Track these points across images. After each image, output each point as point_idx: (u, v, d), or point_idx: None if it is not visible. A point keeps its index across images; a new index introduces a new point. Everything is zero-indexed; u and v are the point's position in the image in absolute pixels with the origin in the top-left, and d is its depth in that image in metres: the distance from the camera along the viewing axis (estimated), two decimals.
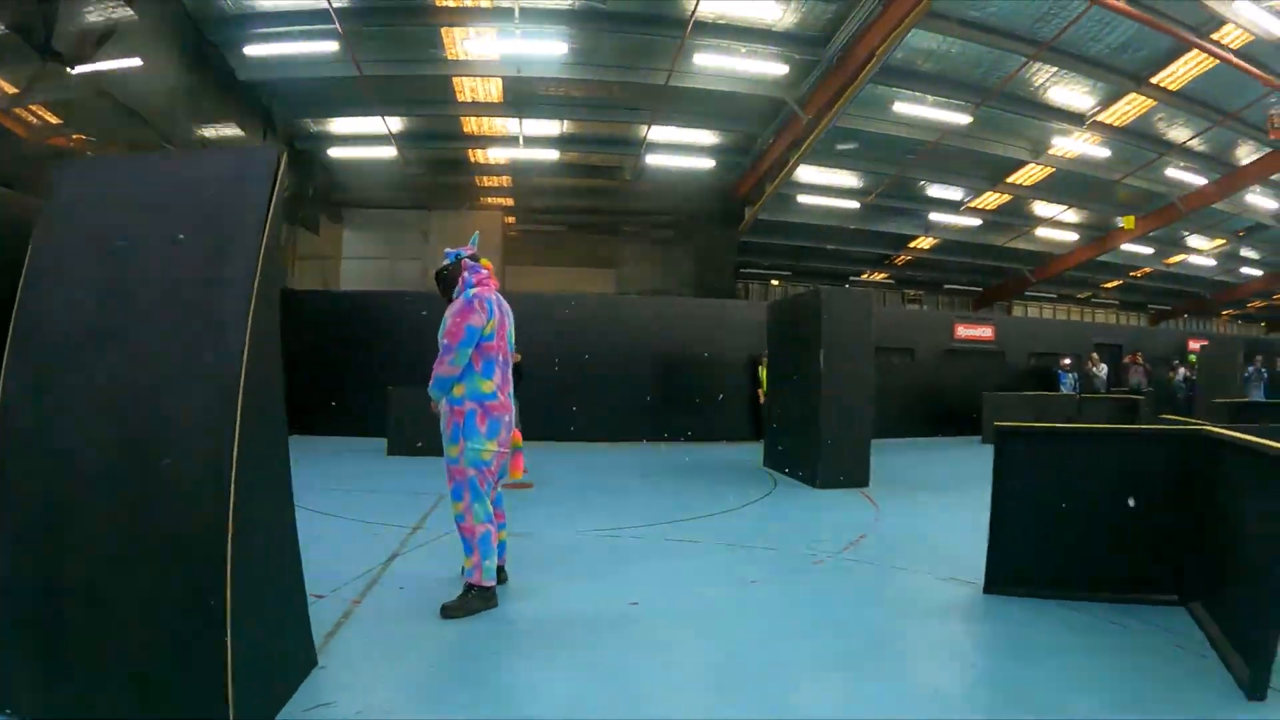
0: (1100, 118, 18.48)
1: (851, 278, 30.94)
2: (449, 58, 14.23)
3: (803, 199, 21.90)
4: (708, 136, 18.70)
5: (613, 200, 22.49)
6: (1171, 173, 21.58)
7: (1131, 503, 5.16)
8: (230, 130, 16.04)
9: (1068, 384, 20.06)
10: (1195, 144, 20.61)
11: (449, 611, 4.60)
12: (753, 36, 13.58)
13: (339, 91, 15.82)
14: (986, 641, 4.74)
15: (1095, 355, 21.33)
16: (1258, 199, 24.24)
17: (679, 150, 19.14)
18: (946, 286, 32.62)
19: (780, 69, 14.07)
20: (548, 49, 13.50)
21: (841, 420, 10.34)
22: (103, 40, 11.89)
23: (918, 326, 20.19)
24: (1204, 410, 18.02)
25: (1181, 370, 21.34)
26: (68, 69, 11.82)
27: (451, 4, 12.96)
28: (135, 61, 12.60)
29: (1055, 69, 16.24)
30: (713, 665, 4.10)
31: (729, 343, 16.01)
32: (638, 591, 5.22)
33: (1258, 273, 34.60)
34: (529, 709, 3.42)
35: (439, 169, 21.10)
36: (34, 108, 12.76)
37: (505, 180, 21.84)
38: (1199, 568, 5.12)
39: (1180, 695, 3.94)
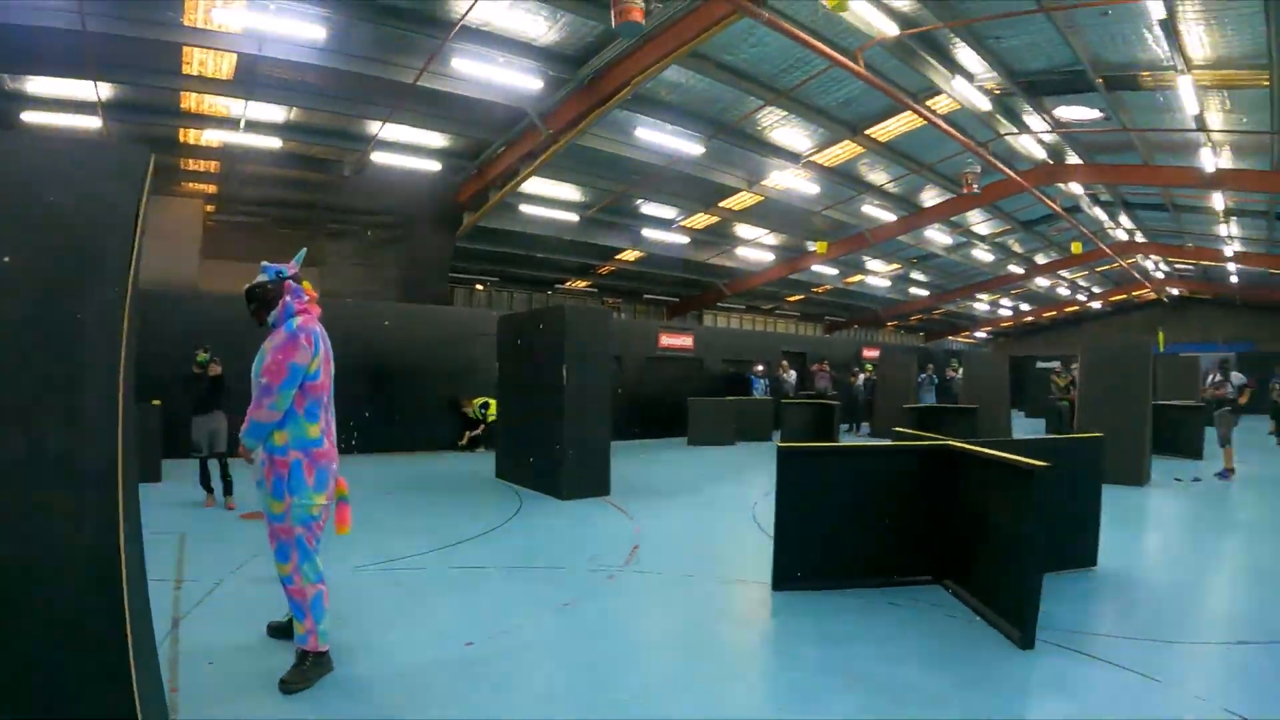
0: (814, 158, 20.44)
1: (555, 285, 31.84)
2: (186, 23, 12.90)
3: (525, 209, 22.35)
4: (438, 139, 18.50)
5: (327, 195, 21.48)
6: (866, 209, 24.68)
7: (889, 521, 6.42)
8: None
9: (759, 388, 22.05)
10: (890, 186, 23.56)
11: (289, 686, 4.25)
12: (514, 48, 13.71)
13: (51, 44, 13.66)
14: (802, 630, 5.42)
15: (785, 362, 23.59)
16: (934, 234, 28.26)
17: (407, 150, 18.70)
18: (646, 296, 34.52)
19: (535, 83, 14.27)
20: (302, 30, 12.61)
21: (584, 432, 10.90)
22: None
23: (625, 335, 20.98)
24: (883, 412, 21.17)
25: (862, 376, 23.70)
26: None
27: None
28: None
29: (785, 113, 17.63)
30: (598, 695, 4.33)
31: (440, 352, 16.88)
32: (463, 630, 5.22)
33: (924, 293, 41.32)
34: None
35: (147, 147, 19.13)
36: None
37: (214, 165, 20.13)
38: (949, 552, 6.35)
39: (969, 652, 5.00)
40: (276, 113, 17.00)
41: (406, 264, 23.82)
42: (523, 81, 14.22)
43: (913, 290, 41.24)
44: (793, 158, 20.06)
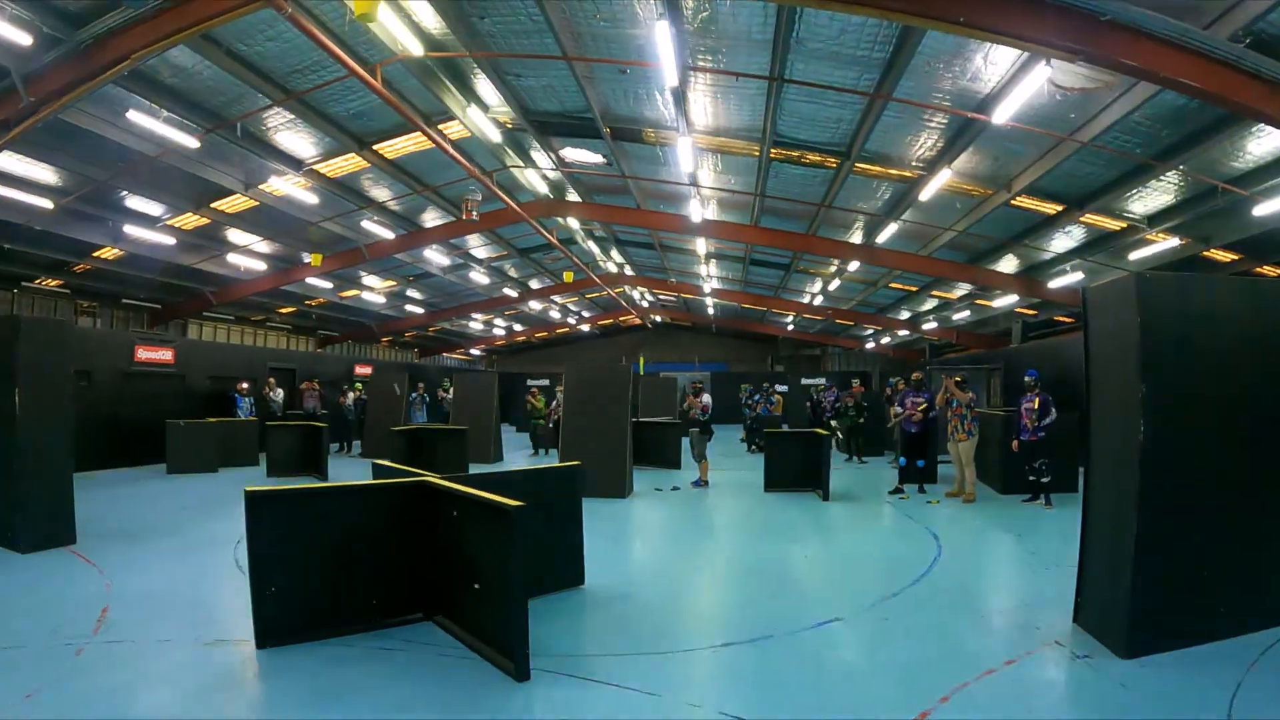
0: (317, 167, 20.74)
1: (24, 282, 28.57)
2: None
3: None
4: None
5: None
6: (366, 224, 25.30)
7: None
8: None
9: (244, 408, 21.70)
10: (393, 204, 24.81)
11: None
12: None
13: None
14: (294, 691, 5.34)
15: (271, 379, 24.15)
16: (433, 254, 30.18)
17: None
18: (124, 300, 32.30)
19: (25, 38, 12.47)
20: None
21: (40, 470, 9.64)
22: None
23: (96, 347, 20.14)
24: (374, 432, 21.79)
25: (351, 395, 24.44)
26: None
27: None
28: None
29: (293, 116, 17.74)
30: None
31: None
32: None
33: (420, 310, 43.29)
34: None
35: None
36: None
37: None
38: (438, 588, 6.64)
39: (467, 691, 5.28)
40: None
41: None
42: (12, 35, 12.32)
43: (409, 308, 42.95)
44: (295, 164, 20.10)
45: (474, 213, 22.20)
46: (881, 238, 23.91)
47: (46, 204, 20.03)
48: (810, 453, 15.16)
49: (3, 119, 14.98)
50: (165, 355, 22.10)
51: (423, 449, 16.70)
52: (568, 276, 35.05)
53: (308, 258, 28.23)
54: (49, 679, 5.39)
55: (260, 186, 21.03)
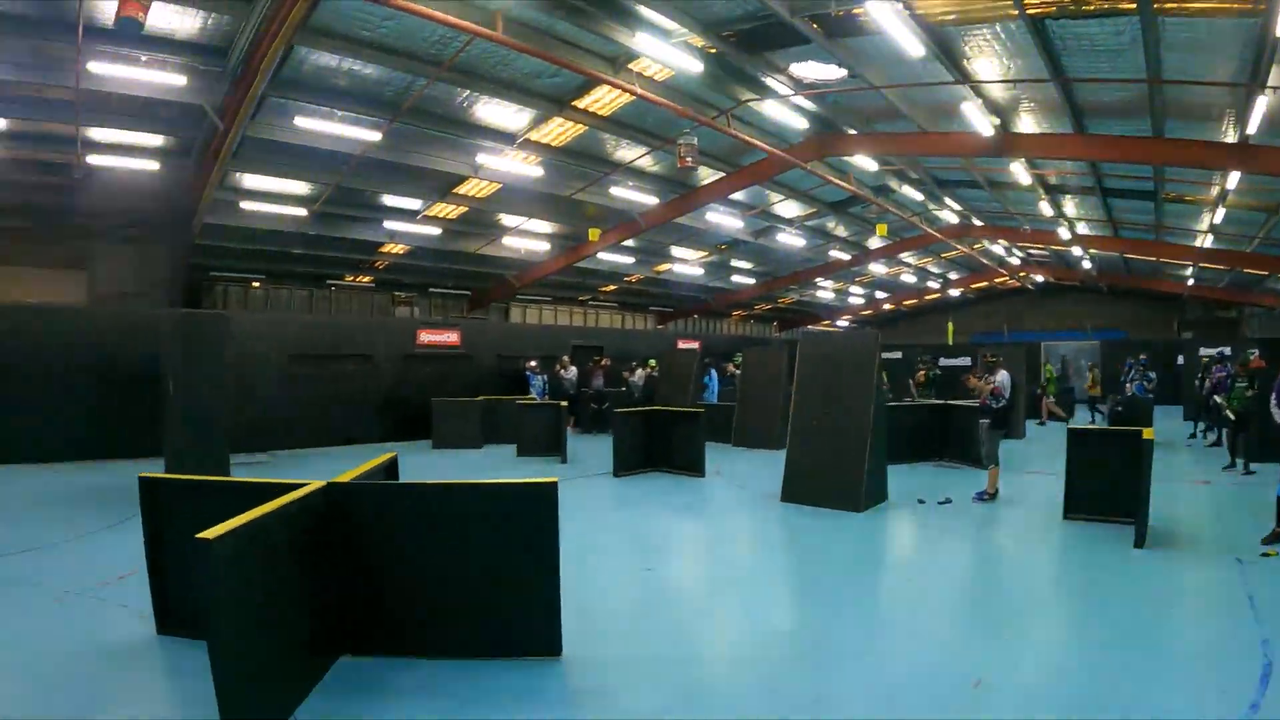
0: (533, 137, 22.09)
1: (330, 281, 34.40)
2: None
3: (246, 205, 24.99)
4: (150, 139, 21.03)
5: (72, 199, 24.21)
6: (615, 190, 26.04)
7: None
8: None
9: (536, 386, 22.93)
10: (647, 165, 25.20)
11: None
12: (154, 45, 15.94)
13: None
14: None
15: (566, 358, 24.47)
16: (720, 217, 30.32)
17: (122, 151, 21.33)
18: (431, 290, 37.25)
19: (179, 79, 16.41)
20: None
21: (195, 445, 12.06)
22: None
23: (378, 334, 23.00)
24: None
25: (641, 371, 23.49)
26: None
27: None
28: None
29: (471, 92, 19.37)
30: None
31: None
32: None
33: (749, 280, 43.13)
34: None
35: None
36: None
37: None
38: None
39: None
40: None
41: (145, 264, 27.11)
42: (171, 79, 16.42)
43: (736, 278, 43.21)
44: (508, 139, 21.82)
45: (689, 159, 20.61)
46: (1251, 124, 16.60)
47: (300, 211, 24.80)
48: (1129, 461, 10.16)
49: (217, 147, 19.14)
50: (451, 338, 23.98)
51: (657, 432, 15.75)
52: (881, 230, 32.17)
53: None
54: None
55: (488, 166, 22.79)
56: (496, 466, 16.88)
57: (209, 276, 32.35)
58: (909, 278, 48.32)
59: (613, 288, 42.10)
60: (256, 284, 34.13)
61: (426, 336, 23.58)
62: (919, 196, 30.64)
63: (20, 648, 6.27)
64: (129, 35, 13.65)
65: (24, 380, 16.71)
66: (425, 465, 16.56)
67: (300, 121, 18.92)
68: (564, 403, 19.00)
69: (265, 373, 19.82)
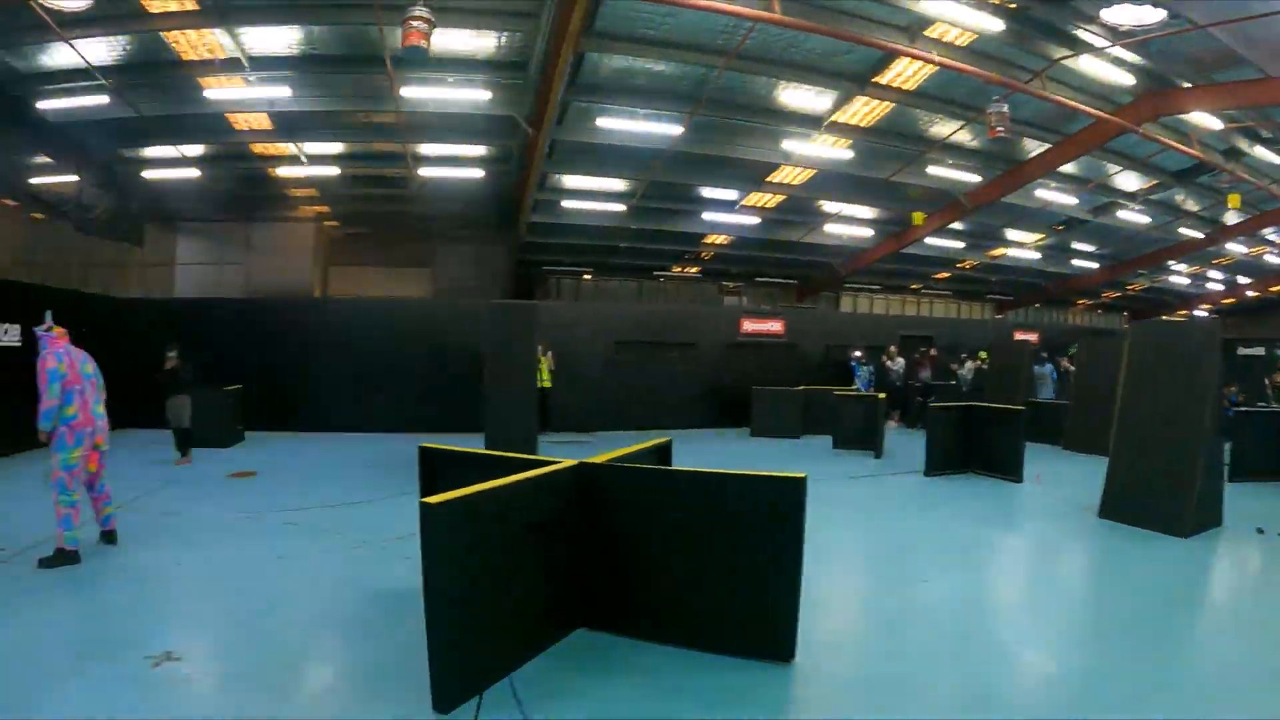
0: (839, 119, 21.37)
1: (657, 272, 36.18)
2: (209, 97, 18.65)
3: (567, 203, 26.76)
4: (472, 149, 23.00)
5: (410, 206, 27.69)
6: (944, 171, 24.72)
7: None
8: (44, 160, 21.44)
9: (862, 377, 22.45)
10: (964, 140, 23.58)
11: (43, 562, 7.85)
12: (458, 66, 17.66)
13: (130, 127, 20.47)
14: None
15: (893, 348, 23.54)
16: (1051, 194, 27.97)
17: (449, 162, 23.75)
18: (758, 279, 37.75)
19: (485, 94, 18.13)
20: (276, 91, 18.17)
21: (506, 424, 13.63)
22: None
23: (704, 322, 23.70)
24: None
25: (969, 364, 22.64)
26: None
27: (193, 57, 17.56)
28: None
29: (764, 77, 19.22)
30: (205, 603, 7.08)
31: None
32: (195, 558, 8.37)
33: (1092, 265, 38.92)
34: (79, 602, 6.78)
35: (247, 185, 26.19)
36: None
37: (313, 190, 26.90)
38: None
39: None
40: (332, 146, 22.96)
41: (481, 261, 30.17)
42: (477, 95, 18.29)
43: (1076, 262, 38.85)
44: (814, 122, 21.25)
45: (1000, 129, 18.63)
46: None
47: (619, 206, 26.36)
48: None
49: (529, 154, 20.80)
50: (774, 326, 23.99)
51: (974, 430, 14.44)
52: (1232, 201, 26.40)
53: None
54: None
55: (799, 152, 22.63)
56: (802, 456, 16.68)
57: (541, 271, 35.34)
58: (1275, 258, 40.20)
59: (945, 275, 40.40)
60: (588, 276, 36.57)
61: (750, 325, 23.80)
62: (1277, 160, 25.54)
63: (311, 582, 7.69)
64: (418, 61, 14.87)
65: (377, 362, 19.98)
66: (725, 452, 16.95)
67: (603, 122, 20.10)
68: (882, 395, 18.40)
69: (592, 359, 21.25)
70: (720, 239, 31.95)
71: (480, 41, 17.08)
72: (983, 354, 23.07)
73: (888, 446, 17.02)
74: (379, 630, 6.10)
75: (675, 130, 20.75)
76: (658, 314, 25.52)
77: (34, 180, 22.31)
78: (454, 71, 17.79)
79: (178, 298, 26.56)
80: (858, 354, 22.91)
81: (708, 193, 26.73)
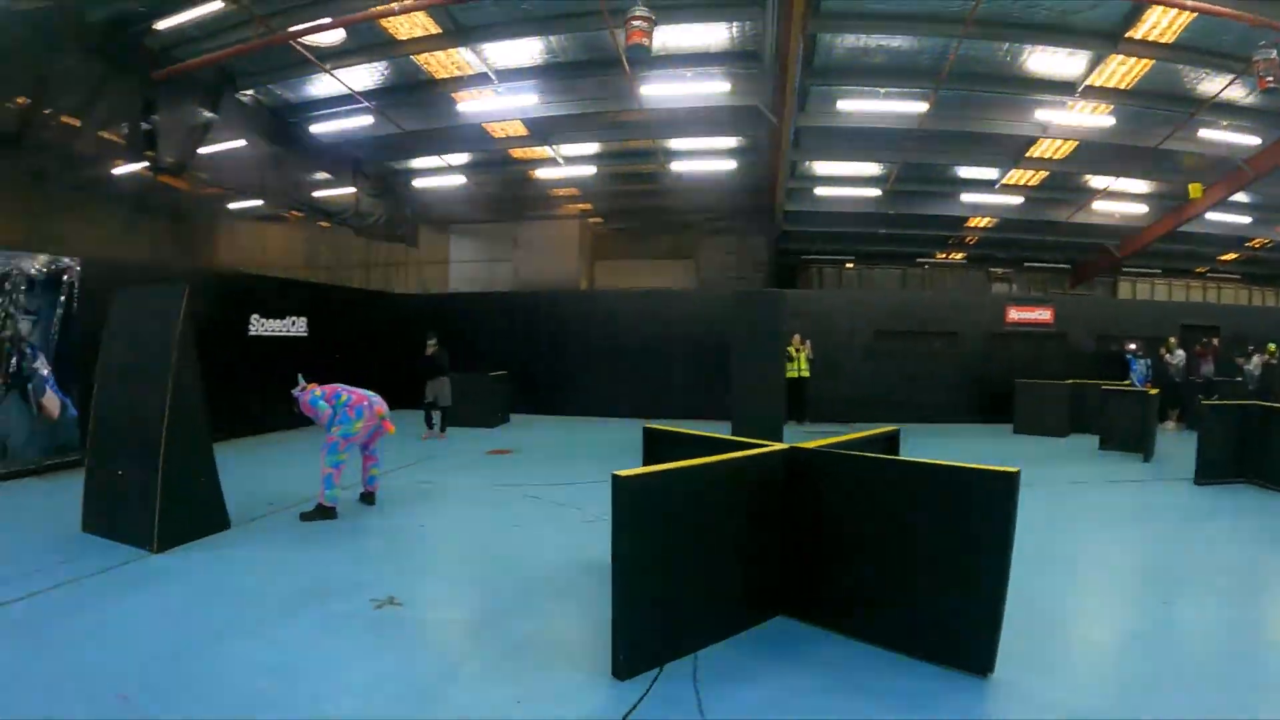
0: (1094, 83, 19.81)
1: (920, 259, 35.34)
2: (462, 111, 20.70)
3: (820, 190, 27.01)
4: (721, 141, 23.62)
5: (667, 200, 29.04)
6: (1218, 134, 22.17)
7: None
8: (324, 176, 24.56)
9: (1138, 371, 20.90)
10: (1237, 98, 20.64)
11: (303, 516, 9.46)
12: (693, 60, 18.27)
13: (396, 142, 22.89)
14: None
15: (1173, 339, 21.49)
16: None
17: (700, 155, 24.62)
18: (1027, 265, 36.23)
19: (724, 85, 18.60)
20: (524, 100, 19.80)
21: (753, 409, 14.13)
22: (199, 140, 19.30)
23: (964, 310, 22.84)
24: None
25: (1257, 358, 20.35)
26: (175, 176, 19.87)
27: (445, 75, 19.47)
28: (240, 143, 20.52)
29: (1007, 43, 18.17)
30: (449, 554, 8.62)
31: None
32: (439, 521, 9.87)
33: None
34: (326, 551, 8.08)
35: (510, 187, 28.49)
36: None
37: (573, 190, 28.80)
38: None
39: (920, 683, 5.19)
40: (586, 148, 24.54)
41: (741, 251, 31.17)
42: (716, 86, 18.90)
43: None
44: (1068, 89, 19.97)
45: (1269, 79, 15.94)
46: None
47: (874, 192, 26.45)
48: None
49: (775, 142, 21.09)
50: (1043, 315, 22.69)
51: (1254, 434, 12.62)
52: None
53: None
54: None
55: (1057, 124, 21.59)
56: (1058, 457, 15.71)
57: (801, 260, 35.76)
58: None
59: (1232, 255, 36.55)
60: (849, 265, 36.60)
61: (1016, 314, 22.72)
62: None
63: (538, 549, 8.54)
64: (651, 59, 15.43)
65: (635, 351, 21.60)
66: (976, 449, 15.71)
67: (844, 105, 20.13)
68: (1153, 390, 16.77)
69: (851, 348, 21.49)
70: (983, 222, 31.07)
71: (712, 34, 17.58)
72: (1271, 347, 20.54)
73: (1162, 449, 15.57)
74: (589, 598, 6.37)
75: (920, 108, 20.39)
76: (919, 302, 25.52)
77: (315, 193, 25.25)
78: (690, 66, 18.38)
79: (451, 293, 29.31)
80: (1132, 346, 21.38)
81: (964, 172, 26.20)
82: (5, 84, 15.23)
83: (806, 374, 20.02)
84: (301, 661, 5.57)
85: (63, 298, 12.88)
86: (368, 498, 10.34)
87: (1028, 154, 24.64)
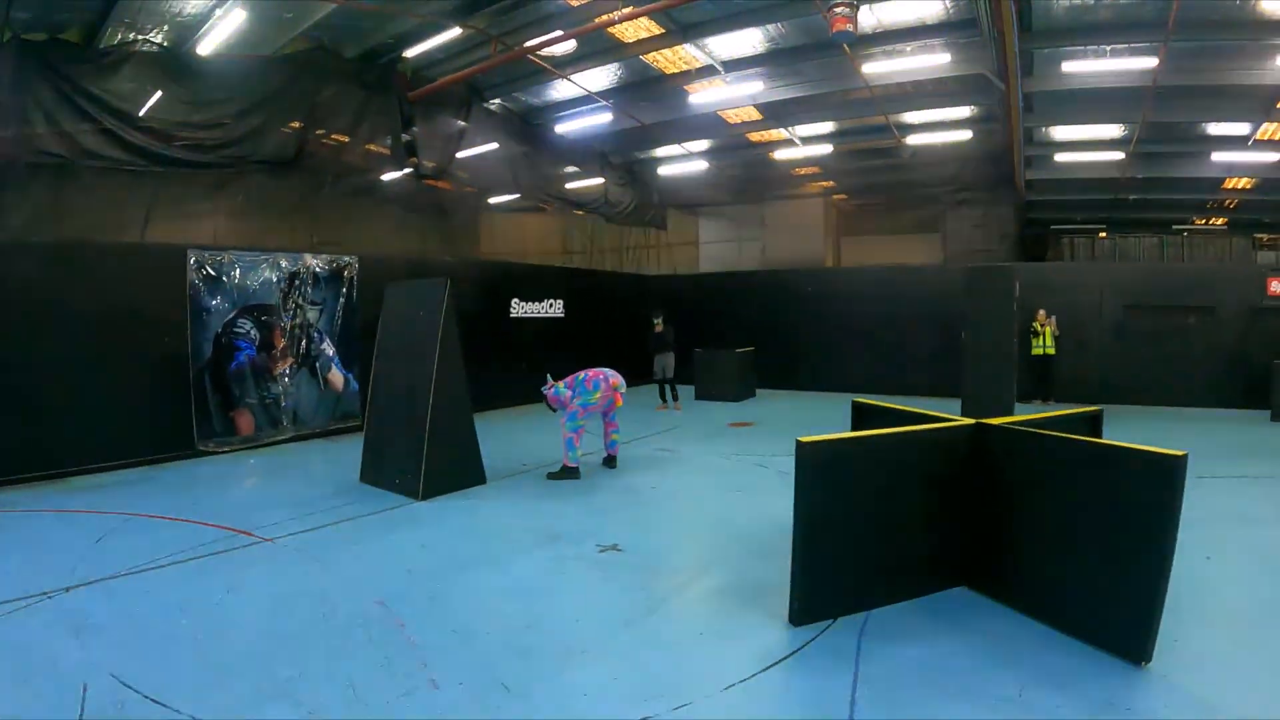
0: None
1: (1177, 226, 33.81)
2: (694, 102, 22.06)
3: (1060, 156, 26.60)
4: (956, 112, 23.78)
5: (908, 174, 29.39)
6: None
7: None
8: (573, 169, 26.83)
9: None
10: None
11: (551, 475, 11.42)
12: (910, 35, 18.61)
13: (637, 134, 24.72)
14: None
15: None
16: None
17: (935, 128, 24.89)
18: None
19: (945, 57, 18.74)
20: (752, 87, 20.74)
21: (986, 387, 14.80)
22: (455, 146, 21.67)
23: (1223, 282, 20.97)
24: None
25: None
26: (437, 179, 22.73)
27: (673, 70, 21.05)
28: (492, 146, 22.83)
29: None
30: (684, 512, 9.91)
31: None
32: (671, 483, 11.38)
33: None
34: (564, 504, 9.86)
35: (752, 169, 29.84)
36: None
37: (814, 169, 29.83)
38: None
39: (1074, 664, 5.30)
40: (821, 128, 25.55)
41: (988, 223, 31.49)
42: (937, 59, 19.01)
43: None
44: None
45: None
46: None
47: (1117, 155, 25.71)
48: None
49: (1007, 109, 21.22)
50: None
51: None
52: None
53: None
54: (755, 478, 13.56)
55: None
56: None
57: (1050, 230, 34.91)
58: None
59: None
60: (1102, 234, 35.32)
61: (1279, 286, 20.61)
62: None
63: (754, 511, 9.71)
64: (844, 40, 15.24)
65: (877, 327, 22.82)
66: (1210, 439, 14.97)
67: (1068, 67, 19.55)
68: None
69: (1100, 325, 21.16)
70: (1242, 183, 28.95)
71: (926, 8, 17.82)
72: None
73: None
74: (787, 555, 6.39)
75: (1150, 63, 19.43)
76: (1172, 273, 24.54)
77: (567, 185, 27.43)
78: (909, 40, 18.73)
79: (700, 273, 31.34)
80: None
81: (1213, 129, 24.78)
82: (282, 114, 17.63)
83: (1053, 351, 20.13)
84: (530, 588, 7.19)
85: (344, 290, 15.64)
86: (610, 461, 12.18)
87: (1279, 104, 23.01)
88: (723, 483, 11.49)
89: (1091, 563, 5.78)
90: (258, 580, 7.34)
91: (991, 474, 6.69)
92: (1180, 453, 5.19)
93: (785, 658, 5.70)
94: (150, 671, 5.33)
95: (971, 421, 6.97)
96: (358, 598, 6.86)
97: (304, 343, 14.98)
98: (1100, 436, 7.44)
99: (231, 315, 13.83)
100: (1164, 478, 5.26)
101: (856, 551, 6.45)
